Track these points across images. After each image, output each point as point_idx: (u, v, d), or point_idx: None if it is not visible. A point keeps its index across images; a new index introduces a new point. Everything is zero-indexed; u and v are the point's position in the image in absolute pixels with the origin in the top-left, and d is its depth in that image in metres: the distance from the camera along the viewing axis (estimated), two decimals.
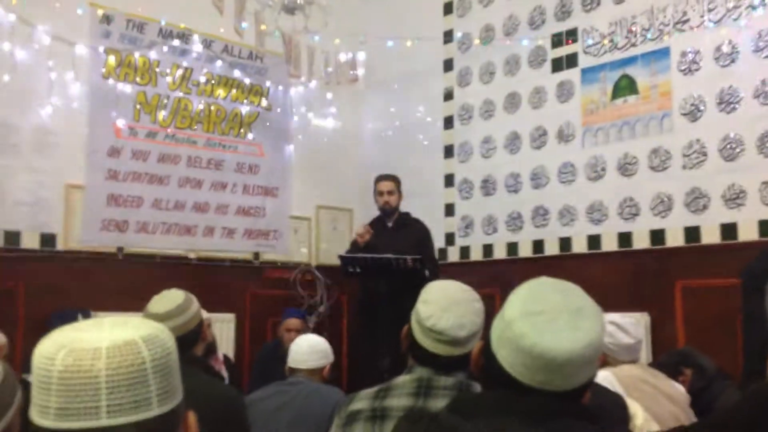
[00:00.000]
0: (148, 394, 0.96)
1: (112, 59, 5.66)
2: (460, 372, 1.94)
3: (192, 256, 5.96)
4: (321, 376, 3.34)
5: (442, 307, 1.93)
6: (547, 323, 1.27)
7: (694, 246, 4.86)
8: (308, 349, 3.36)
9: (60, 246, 5.33)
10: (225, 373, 4.35)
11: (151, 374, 0.96)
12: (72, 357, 0.94)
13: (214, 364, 4.06)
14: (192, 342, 2.50)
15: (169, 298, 2.50)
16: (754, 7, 4.72)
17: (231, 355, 5.69)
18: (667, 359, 3.84)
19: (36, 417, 0.96)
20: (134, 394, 0.95)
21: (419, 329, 1.96)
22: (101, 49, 5.61)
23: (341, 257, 5.37)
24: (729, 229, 4.71)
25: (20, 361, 4.63)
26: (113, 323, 1.01)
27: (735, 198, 4.70)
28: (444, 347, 1.92)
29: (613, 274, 5.14)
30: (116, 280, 5.41)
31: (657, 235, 5.05)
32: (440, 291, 2.00)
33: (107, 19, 5.66)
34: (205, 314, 2.69)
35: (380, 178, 5.59)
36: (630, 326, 2.96)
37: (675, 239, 4.96)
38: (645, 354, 4.68)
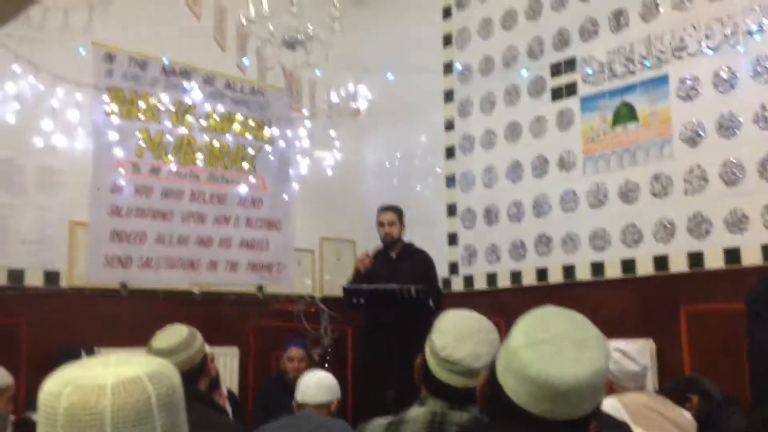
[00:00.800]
0: (153, 431, 0.96)
1: (115, 97, 5.71)
2: (474, 406, 1.88)
3: (196, 290, 5.95)
4: (328, 412, 3.35)
5: (458, 337, 1.90)
6: (552, 352, 1.27)
7: (698, 271, 4.86)
8: (316, 384, 3.38)
9: (64, 283, 5.33)
10: (228, 408, 4.33)
11: (157, 411, 0.96)
12: (77, 394, 0.94)
13: (218, 398, 4.04)
14: (196, 377, 2.50)
15: (173, 333, 2.50)
16: (751, 33, 4.75)
17: (235, 388, 5.67)
18: (673, 386, 3.82)
19: None
20: (139, 431, 0.95)
21: (434, 360, 1.92)
22: (104, 87, 5.66)
23: (345, 289, 5.37)
24: (732, 254, 4.71)
25: (24, 398, 4.61)
26: (118, 360, 1.02)
27: (737, 223, 4.70)
28: (459, 378, 1.88)
29: (617, 301, 5.13)
30: (120, 316, 5.40)
31: (660, 261, 5.05)
32: (456, 321, 1.97)
33: (109, 57, 5.72)
34: (207, 348, 2.69)
35: (382, 210, 5.61)
36: (636, 353, 2.95)
37: (678, 265, 4.96)
38: (651, 380, 4.65)
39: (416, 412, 1.92)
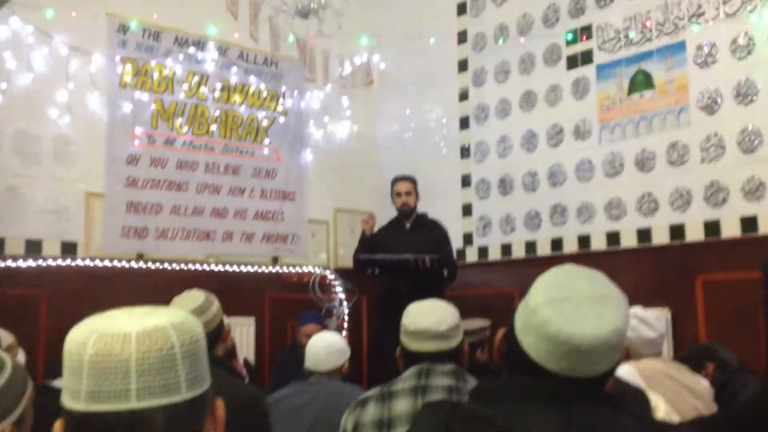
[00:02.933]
0: (177, 378, 0.97)
1: (129, 68, 5.71)
2: (452, 363, 2.27)
3: (211, 261, 5.99)
4: (341, 374, 3.35)
5: (420, 313, 2.32)
6: (571, 310, 1.27)
7: (714, 240, 4.83)
8: (325, 350, 3.34)
9: (81, 254, 5.37)
10: (245, 375, 4.37)
11: (180, 359, 0.98)
12: (103, 341, 0.96)
13: (235, 366, 4.06)
14: (213, 342, 2.51)
15: (190, 299, 2.51)
16: None
17: (251, 358, 5.72)
18: (689, 354, 3.82)
19: (67, 401, 0.97)
20: (163, 377, 0.96)
21: (407, 337, 2.31)
22: (118, 58, 5.66)
23: (359, 259, 5.38)
24: (749, 223, 4.67)
25: (43, 367, 4.68)
26: (143, 311, 1.03)
27: (755, 191, 4.67)
28: (431, 343, 2.26)
29: (633, 271, 5.10)
30: (137, 286, 5.44)
31: (677, 230, 5.02)
32: (416, 304, 2.38)
33: (123, 28, 5.71)
34: (225, 319, 2.70)
35: (397, 179, 5.60)
36: (653, 320, 2.94)
37: (695, 234, 4.93)
38: (667, 349, 4.65)
39: (406, 372, 2.29)
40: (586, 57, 5.63)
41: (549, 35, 5.87)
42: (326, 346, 3.37)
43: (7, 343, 3.06)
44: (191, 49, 6.05)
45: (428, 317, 2.28)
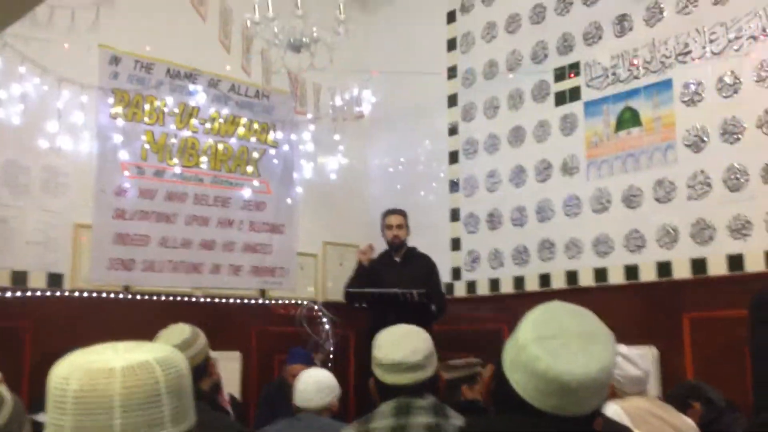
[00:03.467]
0: (161, 414, 0.97)
1: (120, 99, 5.72)
2: (430, 396, 2.18)
3: (198, 293, 5.96)
4: (330, 412, 3.31)
5: (392, 343, 2.21)
6: (560, 347, 1.27)
7: (701, 278, 4.84)
8: (315, 387, 3.29)
9: (67, 285, 5.33)
10: (230, 411, 4.31)
11: (165, 395, 0.97)
12: (87, 377, 0.95)
13: (221, 403, 4.02)
14: (199, 376, 2.50)
15: (176, 332, 2.50)
16: (755, 38, 4.75)
17: (237, 392, 5.65)
18: (675, 392, 3.81)
19: None
20: (147, 414, 0.95)
21: (381, 370, 2.20)
22: (109, 89, 5.67)
23: (347, 292, 5.36)
24: (735, 261, 4.69)
25: (28, 400, 4.61)
26: (128, 346, 1.03)
27: (741, 228, 4.70)
28: (407, 375, 2.16)
29: (620, 307, 5.09)
30: (123, 319, 5.39)
31: (663, 267, 5.04)
32: (386, 334, 2.26)
33: (115, 60, 5.73)
34: (211, 354, 2.69)
35: (389, 213, 5.61)
36: (638, 358, 2.93)
37: (681, 271, 4.94)
38: (653, 387, 4.64)
39: (384, 407, 2.18)
40: (574, 94, 5.69)
41: (538, 72, 5.93)
42: (316, 383, 3.31)
43: None
44: (183, 81, 6.07)
45: (401, 348, 2.18)
